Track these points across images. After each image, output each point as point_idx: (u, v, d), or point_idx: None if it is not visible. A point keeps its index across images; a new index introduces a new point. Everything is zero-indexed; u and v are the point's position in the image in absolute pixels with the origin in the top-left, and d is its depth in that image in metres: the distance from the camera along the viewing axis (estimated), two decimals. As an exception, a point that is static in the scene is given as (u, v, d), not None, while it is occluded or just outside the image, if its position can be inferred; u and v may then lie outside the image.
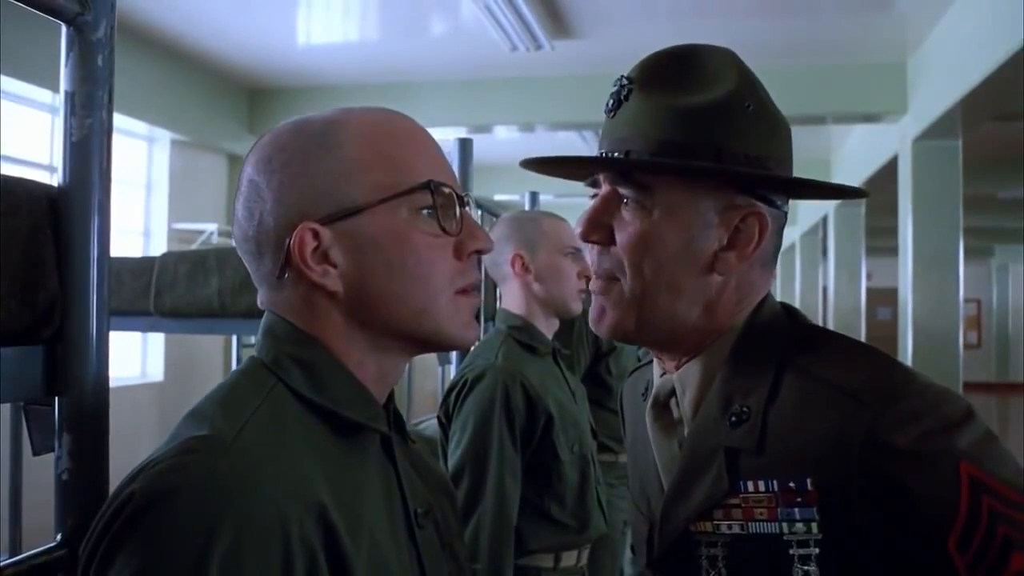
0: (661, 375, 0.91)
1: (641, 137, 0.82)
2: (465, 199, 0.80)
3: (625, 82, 0.85)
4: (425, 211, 0.75)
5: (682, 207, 0.82)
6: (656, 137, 0.81)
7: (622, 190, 0.84)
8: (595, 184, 0.89)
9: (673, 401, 0.88)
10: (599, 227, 0.85)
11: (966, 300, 6.34)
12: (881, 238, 9.54)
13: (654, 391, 0.90)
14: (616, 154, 0.84)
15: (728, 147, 0.81)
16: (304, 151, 0.75)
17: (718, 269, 0.83)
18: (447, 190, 0.77)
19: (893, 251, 6.08)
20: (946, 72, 4.85)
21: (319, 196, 0.74)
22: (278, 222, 0.74)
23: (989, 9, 4.14)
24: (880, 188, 6.94)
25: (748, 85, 0.83)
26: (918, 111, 5.45)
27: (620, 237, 0.84)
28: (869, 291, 9.15)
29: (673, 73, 0.84)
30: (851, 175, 7.82)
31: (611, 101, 0.86)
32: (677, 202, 0.82)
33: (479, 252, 0.80)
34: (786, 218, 0.88)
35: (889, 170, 6.24)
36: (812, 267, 10.76)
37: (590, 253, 0.89)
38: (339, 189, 0.74)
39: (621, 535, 2.80)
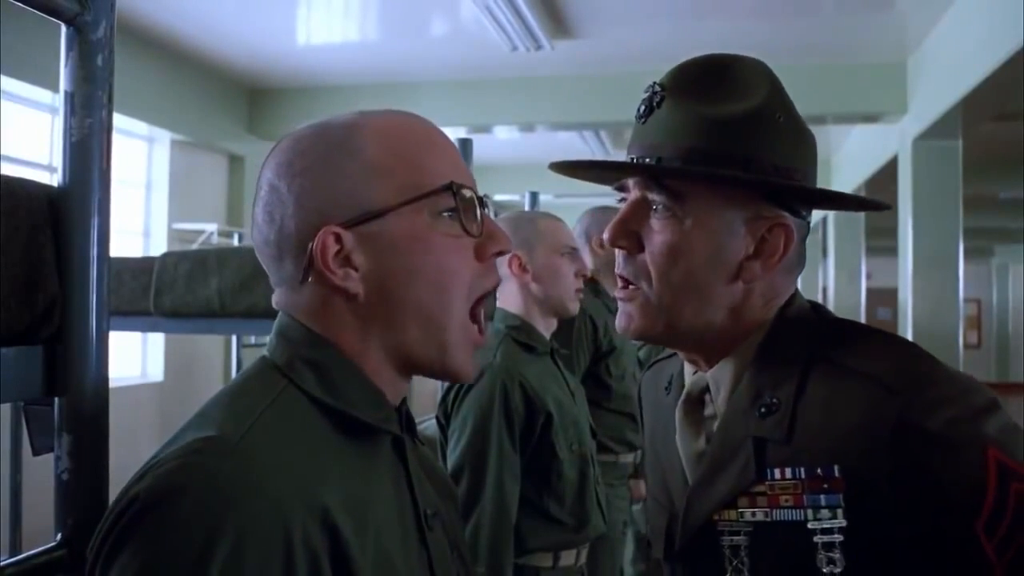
0: (694, 373, 0.92)
1: (672, 144, 0.83)
2: (484, 200, 0.80)
3: (658, 89, 0.86)
4: (446, 213, 0.76)
5: (711, 216, 0.83)
6: (687, 145, 0.82)
7: (652, 196, 0.85)
8: (623, 189, 0.89)
9: (707, 398, 0.90)
10: (627, 233, 0.86)
11: (966, 300, 6.33)
12: (881, 238, 9.53)
13: (687, 388, 0.92)
14: (648, 160, 0.84)
15: (757, 157, 0.82)
16: (325, 156, 0.75)
17: (744, 278, 0.84)
18: (468, 192, 0.77)
19: (893, 251, 6.08)
20: (946, 72, 4.85)
21: (341, 200, 0.74)
22: (300, 226, 0.74)
23: (989, 9, 4.14)
24: (880, 188, 6.95)
25: (778, 96, 0.85)
26: (918, 111, 5.45)
27: (650, 245, 0.85)
28: (869, 291, 9.15)
29: (706, 82, 0.85)
30: (851, 175, 7.82)
31: (643, 107, 0.87)
32: (707, 211, 0.83)
33: (500, 253, 0.80)
34: (809, 228, 0.90)
35: (889, 170, 6.24)
36: (812, 267, 10.73)
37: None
38: (361, 193, 0.74)
39: (620, 535, 2.80)
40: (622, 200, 0.88)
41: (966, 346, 5.93)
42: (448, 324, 0.76)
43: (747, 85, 0.84)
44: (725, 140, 0.82)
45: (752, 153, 0.82)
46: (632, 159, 0.86)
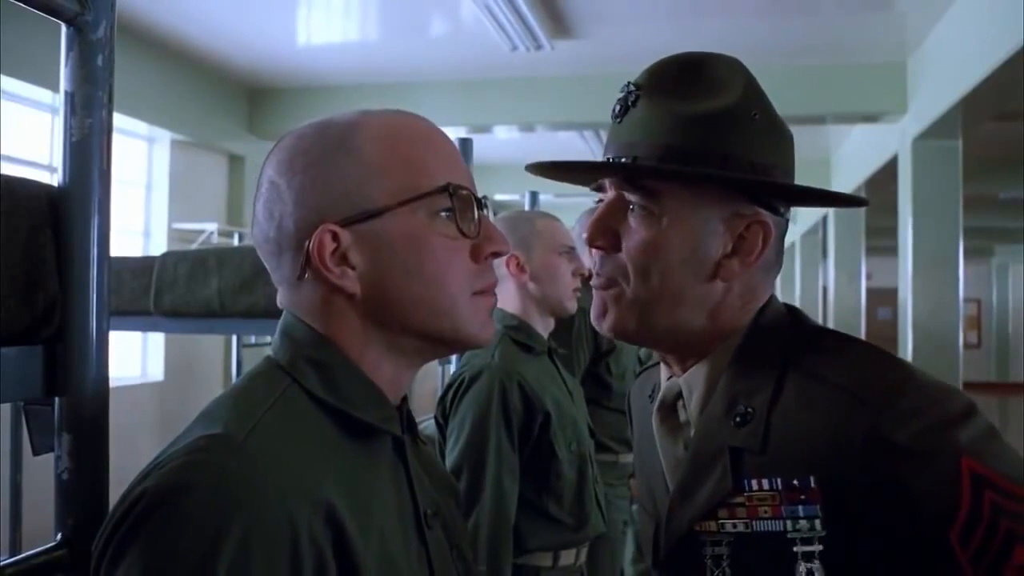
0: (668, 378, 0.91)
1: (648, 143, 0.83)
2: (483, 201, 0.80)
3: (632, 88, 0.85)
4: (443, 213, 0.76)
5: (688, 214, 0.83)
6: (663, 143, 0.82)
7: (629, 196, 0.84)
8: (600, 189, 0.89)
9: (680, 404, 0.89)
10: (605, 232, 0.86)
11: (966, 300, 6.33)
12: (881, 238, 9.53)
13: (661, 394, 0.91)
14: (623, 159, 0.84)
15: (734, 155, 0.81)
16: (324, 154, 0.75)
17: (721, 276, 0.84)
18: (465, 192, 0.77)
19: (893, 251, 6.08)
20: (946, 72, 4.85)
21: (339, 198, 0.74)
22: (298, 224, 0.75)
23: (989, 9, 4.14)
24: (880, 188, 6.95)
25: (754, 94, 0.84)
26: (918, 111, 5.45)
27: (627, 243, 0.84)
28: (869, 291, 9.15)
29: (681, 80, 0.84)
30: (851, 175, 7.82)
31: (618, 107, 0.86)
32: (684, 209, 0.83)
33: (496, 254, 0.80)
34: (787, 225, 0.89)
35: (889, 170, 6.24)
36: (812, 267, 10.75)
37: (591, 256, 0.89)
38: (359, 192, 0.74)
39: (620, 534, 2.80)
40: (600, 201, 0.88)
41: (966, 346, 5.93)
42: (452, 309, 0.77)
43: (723, 83, 0.84)
44: (701, 138, 0.81)
45: (729, 150, 0.81)
46: (608, 159, 0.86)
